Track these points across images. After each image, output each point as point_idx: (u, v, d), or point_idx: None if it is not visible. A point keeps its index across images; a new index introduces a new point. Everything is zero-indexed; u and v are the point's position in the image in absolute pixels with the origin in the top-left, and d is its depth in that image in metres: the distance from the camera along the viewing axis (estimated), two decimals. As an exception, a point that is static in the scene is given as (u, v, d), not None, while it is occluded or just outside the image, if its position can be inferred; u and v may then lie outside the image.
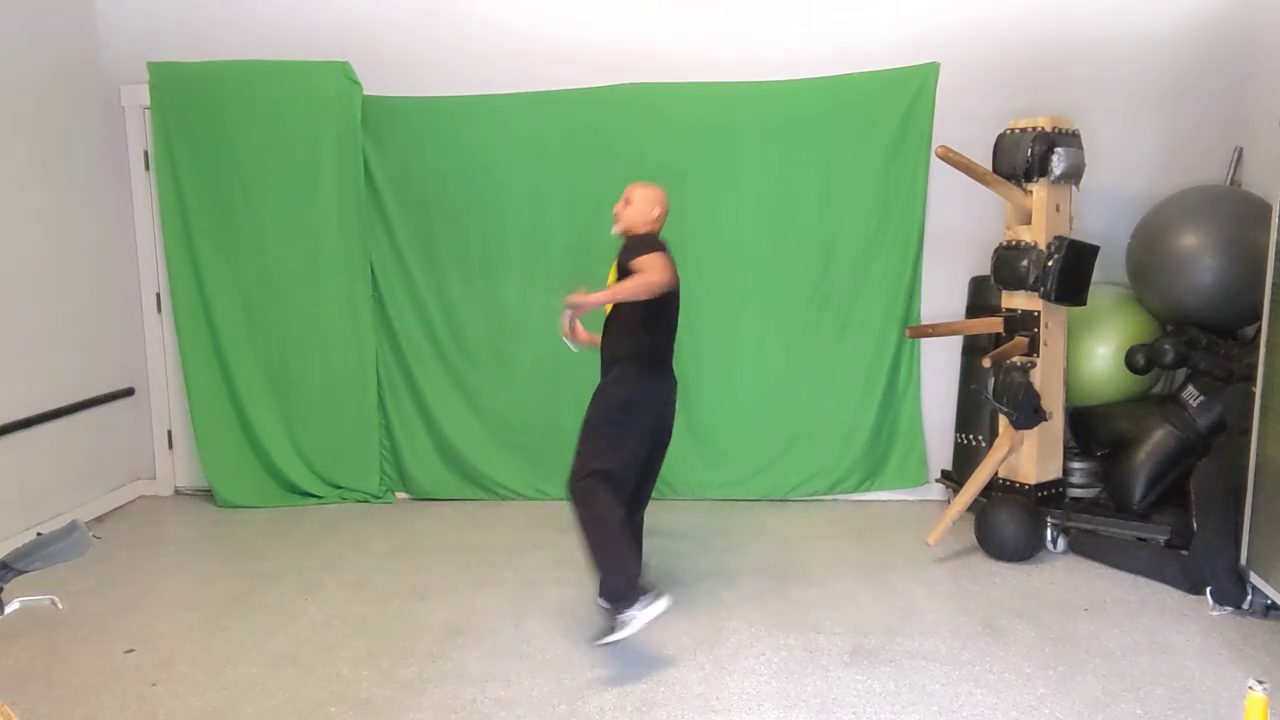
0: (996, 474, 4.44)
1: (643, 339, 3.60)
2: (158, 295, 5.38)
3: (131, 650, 3.53)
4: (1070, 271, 4.17)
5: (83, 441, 4.99)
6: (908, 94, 4.86)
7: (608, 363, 3.65)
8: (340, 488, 5.31)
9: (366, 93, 5.02)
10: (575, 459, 3.50)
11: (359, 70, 5.02)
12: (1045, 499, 4.41)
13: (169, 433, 5.48)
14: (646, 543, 4.56)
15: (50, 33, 4.82)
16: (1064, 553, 4.38)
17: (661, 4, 5.02)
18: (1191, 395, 4.32)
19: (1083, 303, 4.31)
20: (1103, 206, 4.89)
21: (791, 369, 5.12)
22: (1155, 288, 4.52)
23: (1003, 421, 4.41)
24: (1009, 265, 4.30)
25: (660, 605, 3.33)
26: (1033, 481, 4.38)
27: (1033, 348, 4.32)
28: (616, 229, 3.73)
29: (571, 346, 3.63)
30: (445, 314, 5.20)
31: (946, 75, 4.84)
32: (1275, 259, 3.50)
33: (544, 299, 5.16)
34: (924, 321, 5.04)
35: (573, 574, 4.19)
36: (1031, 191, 4.27)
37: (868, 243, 4.99)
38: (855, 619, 3.71)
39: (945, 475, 5.07)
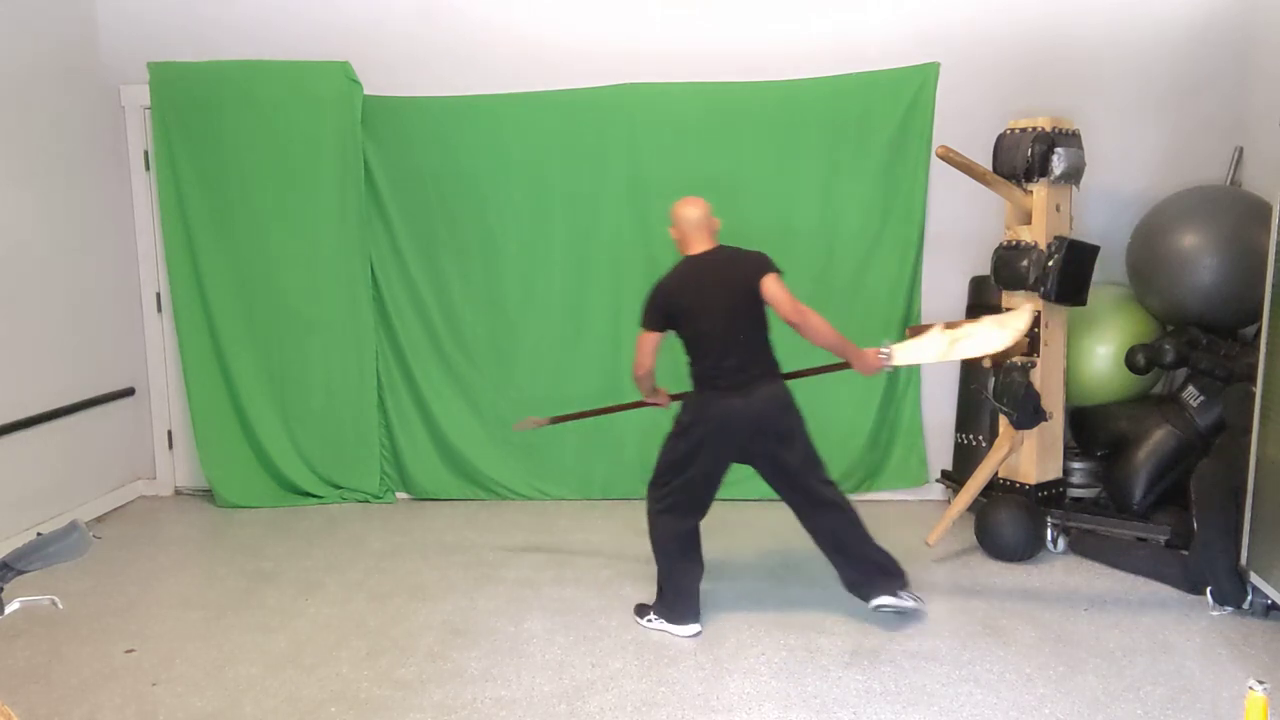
0: (996, 474, 4.43)
1: (689, 362, 3.68)
2: (158, 295, 5.38)
3: (131, 650, 3.53)
4: (1070, 271, 4.17)
5: (83, 441, 4.98)
6: (908, 94, 4.86)
7: None
8: (340, 488, 5.31)
9: (366, 93, 5.02)
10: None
11: (359, 70, 5.02)
12: (1045, 499, 4.41)
13: (169, 433, 5.48)
14: (642, 540, 4.57)
15: (51, 33, 4.82)
16: (1064, 553, 4.38)
17: (661, 4, 5.02)
18: (1191, 395, 4.32)
19: (1083, 303, 4.31)
20: (1103, 206, 4.88)
21: (791, 369, 5.11)
22: (1155, 288, 4.52)
23: (1003, 421, 4.40)
24: (1009, 265, 4.30)
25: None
26: (1033, 481, 4.37)
27: (1033, 348, 4.32)
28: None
29: None
30: (445, 314, 5.20)
31: (947, 75, 4.83)
32: (1275, 259, 3.50)
33: (543, 298, 5.16)
34: (924, 321, 5.04)
35: (572, 574, 4.19)
36: (1031, 191, 4.27)
37: (868, 242, 4.99)
38: (855, 619, 3.71)
39: (945, 475, 5.07)
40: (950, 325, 3.70)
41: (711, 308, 3.57)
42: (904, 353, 3.66)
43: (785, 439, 3.58)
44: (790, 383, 3.72)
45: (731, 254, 3.64)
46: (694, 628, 3.63)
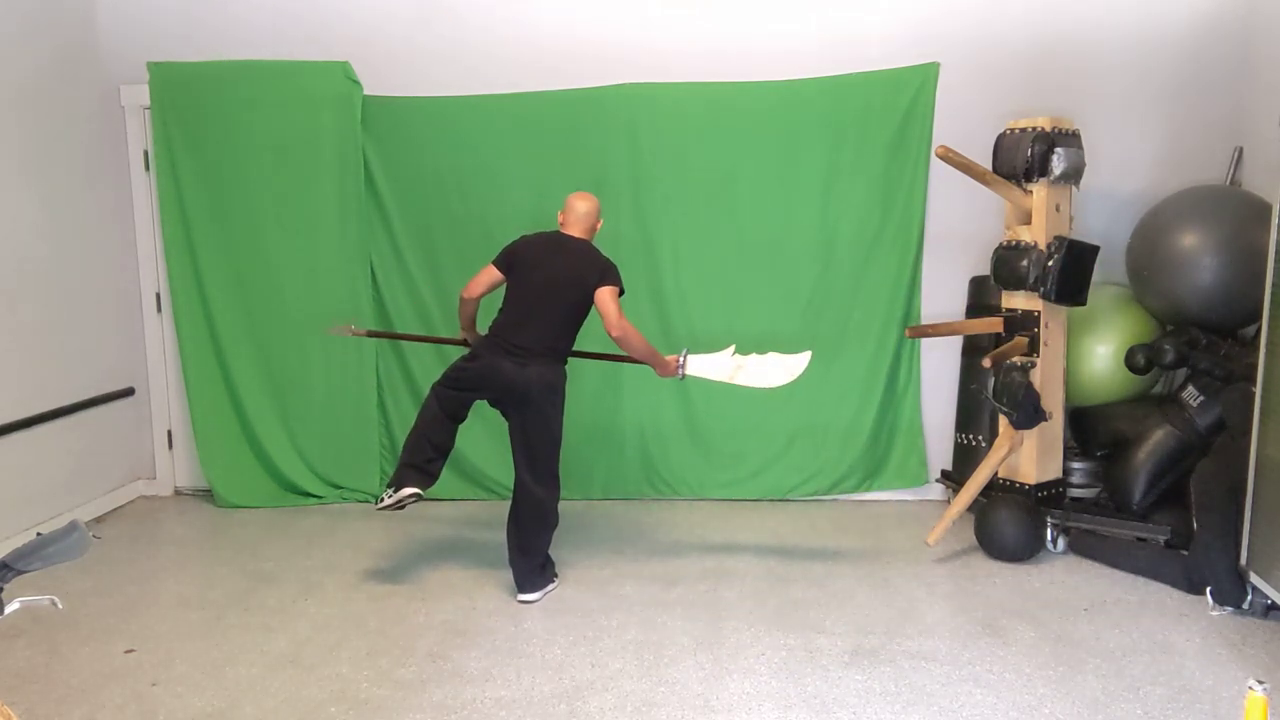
0: (996, 474, 4.44)
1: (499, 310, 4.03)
2: (158, 295, 5.38)
3: (131, 650, 3.53)
4: (1070, 271, 4.17)
5: (83, 441, 4.98)
6: (908, 94, 4.86)
7: None
8: (340, 488, 5.31)
9: (366, 93, 5.01)
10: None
11: (359, 70, 5.02)
12: (1045, 499, 4.41)
13: (169, 433, 5.48)
14: (642, 540, 4.58)
15: (50, 32, 4.82)
16: (1064, 553, 4.38)
17: (661, 4, 5.02)
18: (1191, 395, 4.31)
19: (1083, 303, 4.31)
20: (1103, 206, 4.89)
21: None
22: (1155, 288, 4.52)
23: (1003, 421, 4.40)
24: (1009, 265, 4.30)
25: None
26: (1033, 481, 4.37)
27: (1033, 348, 4.32)
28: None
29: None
30: (445, 314, 5.19)
31: (946, 75, 4.83)
32: (1275, 259, 3.50)
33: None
34: (924, 321, 5.04)
35: (572, 573, 4.18)
36: (1031, 191, 4.27)
37: (868, 243, 4.99)
38: (855, 619, 3.71)
39: (945, 475, 5.07)
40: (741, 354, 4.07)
41: (538, 281, 3.89)
42: (696, 364, 4.02)
43: (534, 413, 3.84)
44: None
45: (589, 252, 3.96)
46: (409, 490, 3.85)
